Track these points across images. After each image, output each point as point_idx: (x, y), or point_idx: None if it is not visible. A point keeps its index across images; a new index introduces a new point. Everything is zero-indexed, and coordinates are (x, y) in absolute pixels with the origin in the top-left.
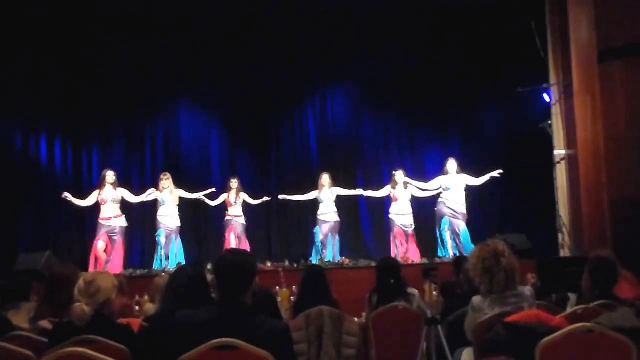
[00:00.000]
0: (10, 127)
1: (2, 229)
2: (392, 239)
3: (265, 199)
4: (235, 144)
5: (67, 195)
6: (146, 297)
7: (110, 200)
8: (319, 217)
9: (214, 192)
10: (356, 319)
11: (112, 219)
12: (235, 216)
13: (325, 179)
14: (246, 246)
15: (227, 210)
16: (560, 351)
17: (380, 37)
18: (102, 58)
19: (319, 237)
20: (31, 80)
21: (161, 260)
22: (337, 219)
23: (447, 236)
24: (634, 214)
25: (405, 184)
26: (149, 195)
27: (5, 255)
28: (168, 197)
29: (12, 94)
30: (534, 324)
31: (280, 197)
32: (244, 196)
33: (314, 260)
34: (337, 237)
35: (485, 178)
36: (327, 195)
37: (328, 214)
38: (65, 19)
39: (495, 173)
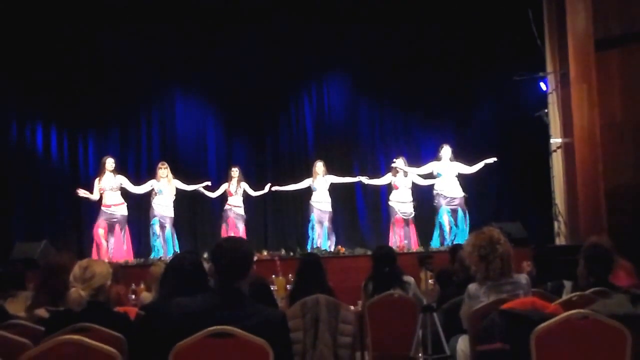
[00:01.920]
0: (5, 116)
1: None
2: (391, 226)
3: (267, 188)
4: (232, 133)
5: (82, 192)
6: (142, 286)
7: (108, 188)
8: (312, 204)
9: (209, 185)
10: (352, 307)
11: (112, 206)
12: (235, 206)
13: (320, 166)
14: (243, 236)
15: (227, 200)
16: (556, 338)
17: (375, 26)
18: (97, 46)
19: (315, 223)
20: (26, 69)
21: (157, 249)
22: (330, 208)
23: (446, 225)
24: (630, 202)
25: (405, 172)
26: (150, 186)
27: (2, 244)
28: (165, 186)
29: (7, 83)
30: (529, 311)
31: (274, 188)
32: (244, 186)
33: (309, 246)
34: (330, 226)
35: (480, 165)
36: (321, 183)
37: (322, 202)
38: (60, 7)
39: (490, 160)
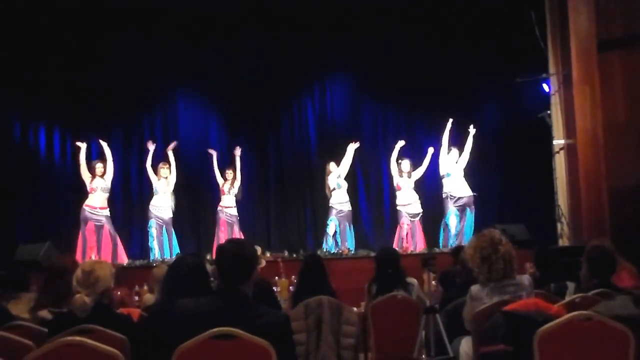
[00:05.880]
0: (9, 118)
1: (1, 220)
2: (398, 229)
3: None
4: (234, 135)
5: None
6: (145, 288)
7: (99, 189)
8: (334, 206)
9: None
10: (355, 309)
11: (99, 209)
12: (226, 207)
13: (333, 166)
14: (239, 236)
15: (220, 200)
16: (559, 339)
17: (378, 27)
18: (101, 49)
19: (331, 227)
20: (30, 71)
21: (155, 252)
22: (350, 208)
23: (452, 227)
24: (633, 203)
25: (409, 174)
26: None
27: (5, 246)
28: (163, 186)
29: (11, 84)
30: (532, 312)
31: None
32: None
33: (329, 247)
34: (351, 227)
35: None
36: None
37: (344, 202)
38: (65, 10)
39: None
